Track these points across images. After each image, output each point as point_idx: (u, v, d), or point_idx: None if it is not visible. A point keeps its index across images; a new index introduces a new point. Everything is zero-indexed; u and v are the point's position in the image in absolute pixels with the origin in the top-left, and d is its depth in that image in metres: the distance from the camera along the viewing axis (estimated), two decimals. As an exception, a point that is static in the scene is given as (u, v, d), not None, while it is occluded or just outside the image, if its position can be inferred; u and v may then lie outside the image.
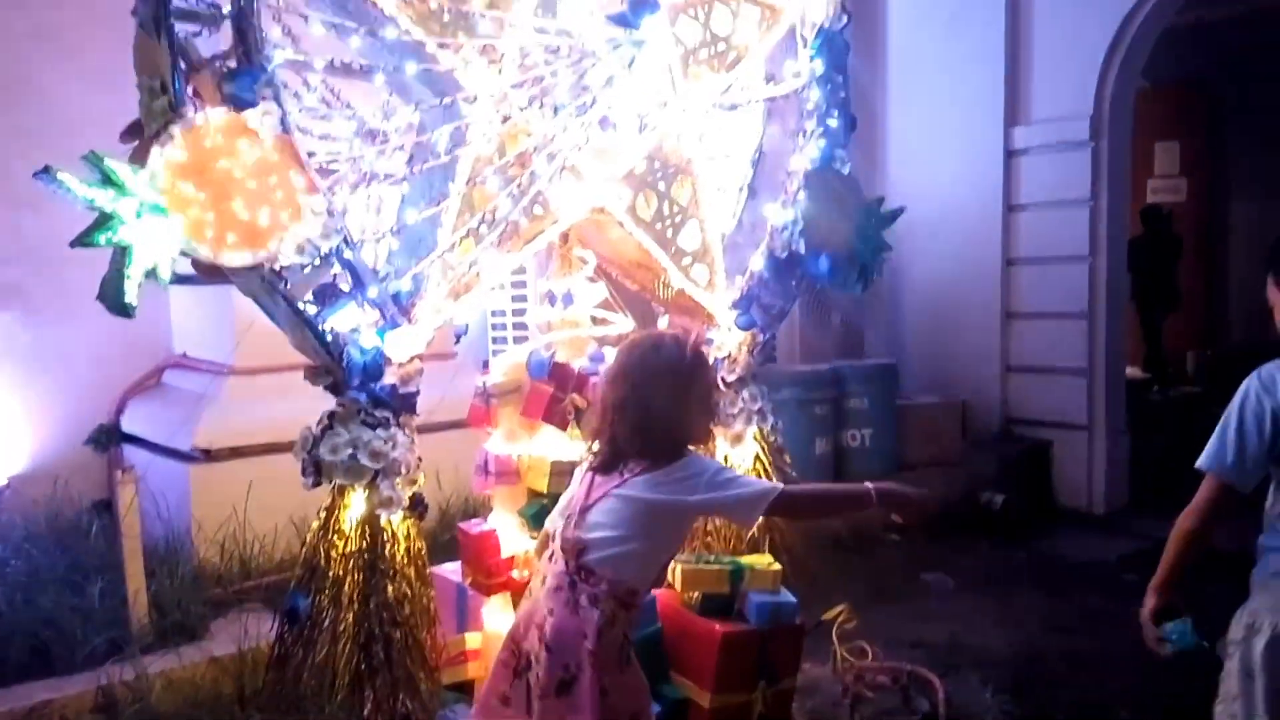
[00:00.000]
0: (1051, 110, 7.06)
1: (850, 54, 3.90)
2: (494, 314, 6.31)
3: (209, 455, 4.74)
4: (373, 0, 2.75)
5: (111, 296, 2.48)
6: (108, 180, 2.41)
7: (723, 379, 3.62)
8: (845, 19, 3.78)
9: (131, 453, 5.24)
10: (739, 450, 3.67)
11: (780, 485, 2.48)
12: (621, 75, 2.66)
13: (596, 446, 2.48)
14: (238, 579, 4.45)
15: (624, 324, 3.45)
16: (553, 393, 3.09)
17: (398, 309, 2.87)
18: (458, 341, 6.08)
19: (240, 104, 2.56)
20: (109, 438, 5.33)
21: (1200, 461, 2.54)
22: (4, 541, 4.22)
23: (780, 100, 3.81)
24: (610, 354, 3.26)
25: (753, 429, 3.71)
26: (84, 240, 2.42)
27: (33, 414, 5.15)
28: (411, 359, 2.90)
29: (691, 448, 2.49)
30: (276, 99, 2.64)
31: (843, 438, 6.77)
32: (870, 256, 4.01)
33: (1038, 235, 7.21)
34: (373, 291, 2.81)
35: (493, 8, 2.89)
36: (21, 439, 5.15)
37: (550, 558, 2.46)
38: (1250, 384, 2.49)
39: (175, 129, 2.49)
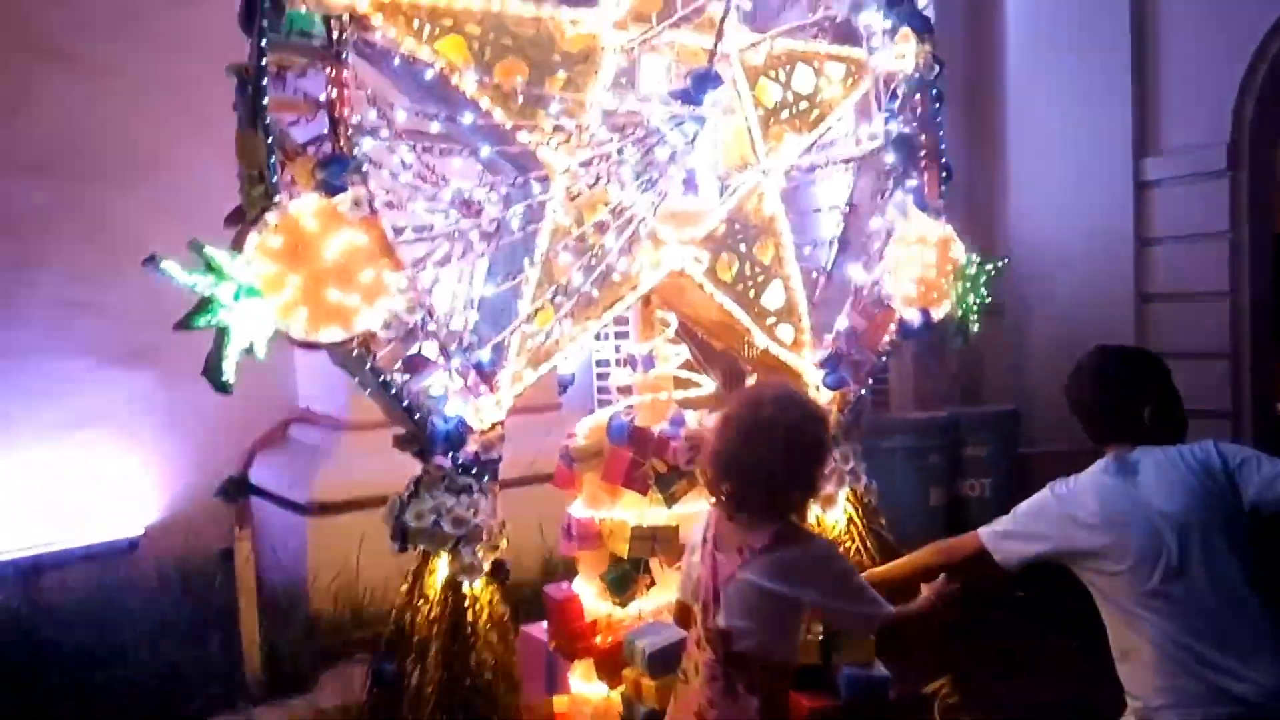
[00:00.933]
0: (1185, 139, 6.71)
1: (944, 103, 3.85)
2: (598, 364, 6.43)
3: (324, 509, 4.98)
4: (455, 84, 2.89)
5: (213, 374, 2.68)
6: (208, 267, 2.61)
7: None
8: (936, 69, 3.74)
9: (257, 504, 5.57)
10: (830, 512, 3.62)
11: (891, 610, 2.39)
12: (685, 150, 2.71)
13: (713, 500, 2.40)
14: (349, 629, 4.65)
15: (707, 385, 3.47)
16: (632, 458, 3.13)
17: (480, 377, 2.98)
18: (563, 392, 6.29)
19: (331, 190, 2.74)
20: (237, 489, 5.68)
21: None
22: (137, 590, 4.54)
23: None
24: (692, 417, 3.29)
25: (845, 490, 3.65)
26: (186, 324, 2.63)
27: (168, 466, 5.56)
28: (494, 426, 3.00)
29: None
30: (365, 182, 2.80)
31: (960, 488, 6.55)
32: (971, 310, 3.93)
33: (1173, 270, 6.84)
34: (455, 361, 2.92)
35: (569, 88, 3.00)
36: (157, 490, 5.55)
37: (698, 644, 2.39)
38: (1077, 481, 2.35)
39: (270, 216, 2.68)
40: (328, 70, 2.79)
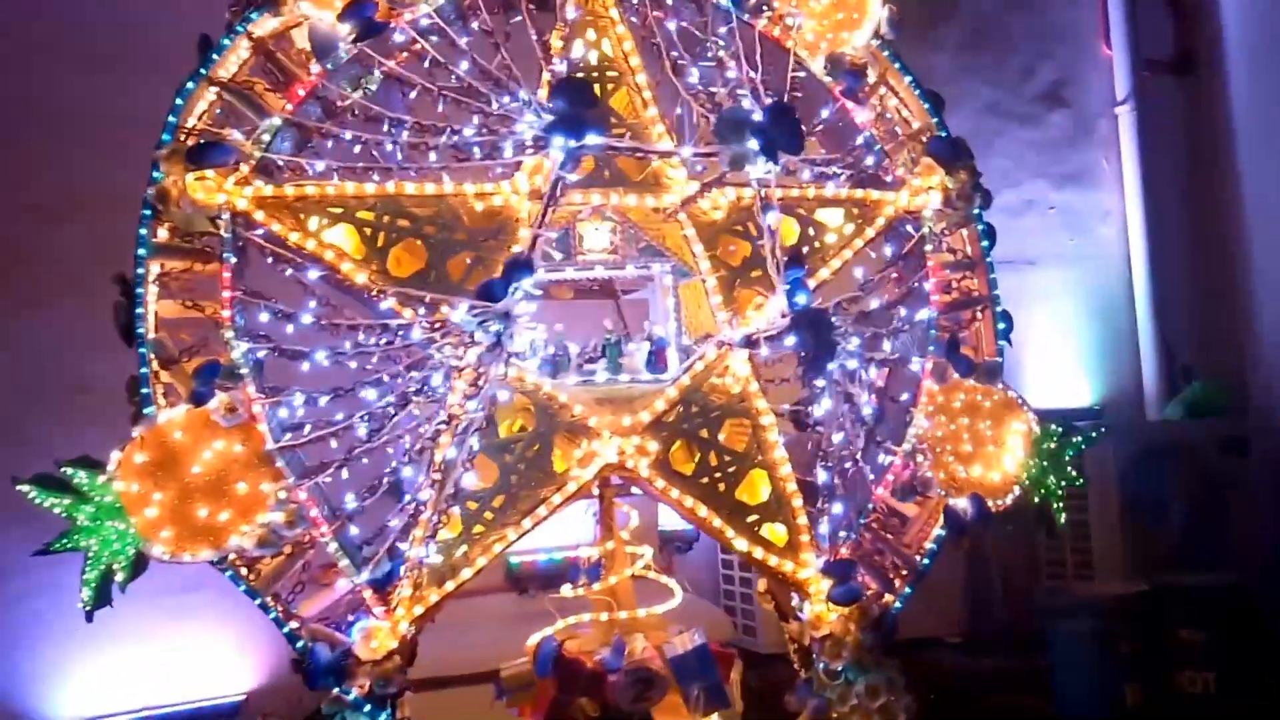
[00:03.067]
0: None
1: (994, 239, 3.17)
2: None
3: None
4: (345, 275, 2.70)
5: (94, 600, 2.58)
6: (67, 488, 2.54)
7: (825, 667, 2.92)
8: (978, 200, 3.08)
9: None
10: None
11: None
12: (496, 353, 2.31)
13: None
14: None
15: (676, 595, 2.95)
16: (554, 696, 2.67)
17: (376, 596, 2.67)
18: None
19: (200, 399, 2.60)
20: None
21: None
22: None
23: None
24: (642, 643, 2.79)
25: (876, 736, 2.92)
26: (46, 549, 2.55)
27: (272, 630, 5.65)
28: (390, 655, 2.66)
29: None
30: (243, 387, 2.64)
31: (1175, 682, 5.29)
32: (1054, 494, 3.12)
33: None
34: (342, 582, 2.65)
35: (477, 268, 2.73)
36: (261, 654, 5.66)
37: None
38: None
39: (136, 430, 2.58)
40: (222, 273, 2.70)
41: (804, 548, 2.92)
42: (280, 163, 2.70)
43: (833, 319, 2.66)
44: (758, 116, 2.41)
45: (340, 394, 2.58)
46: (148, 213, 2.66)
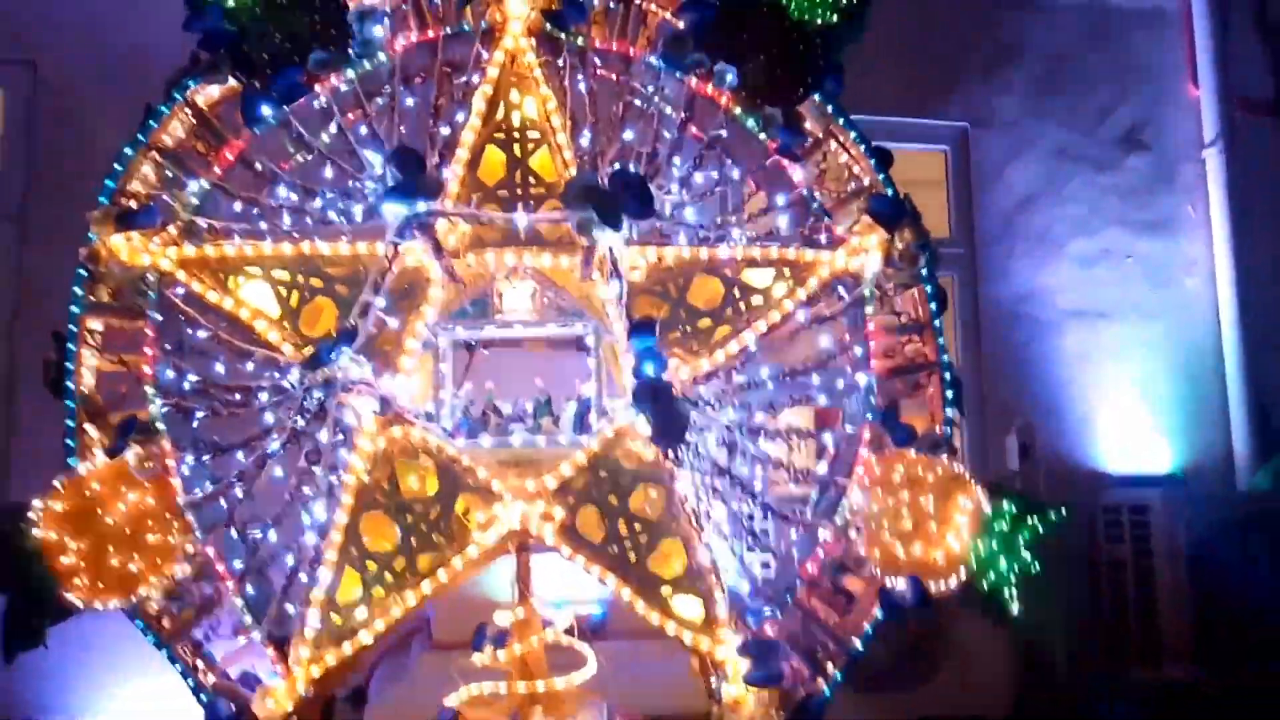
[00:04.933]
0: None
1: (943, 301, 3.03)
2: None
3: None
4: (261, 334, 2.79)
5: (19, 643, 2.73)
6: (-10, 534, 2.70)
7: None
8: (921, 259, 2.95)
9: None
10: None
11: None
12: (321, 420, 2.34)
13: None
14: None
15: (590, 665, 2.90)
16: (444, 767, 2.65)
17: (275, 651, 2.73)
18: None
19: (115, 452, 2.73)
20: (359, 699, 5.79)
21: None
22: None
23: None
24: (539, 716, 2.75)
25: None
26: (-35, 593, 2.72)
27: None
28: (288, 717, 2.69)
29: None
30: (157, 440, 2.76)
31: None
32: (1005, 580, 2.93)
33: None
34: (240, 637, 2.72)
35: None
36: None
37: None
38: None
39: (57, 481, 2.73)
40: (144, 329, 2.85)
41: (721, 624, 2.82)
42: (204, 224, 2.83)
43: (699, 390, 2.59)
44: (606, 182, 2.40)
45: (222, 451, 2.66)
46: (82, 272, 2.84)
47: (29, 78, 5.70)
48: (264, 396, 2.65)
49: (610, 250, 2.48)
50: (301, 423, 2.51)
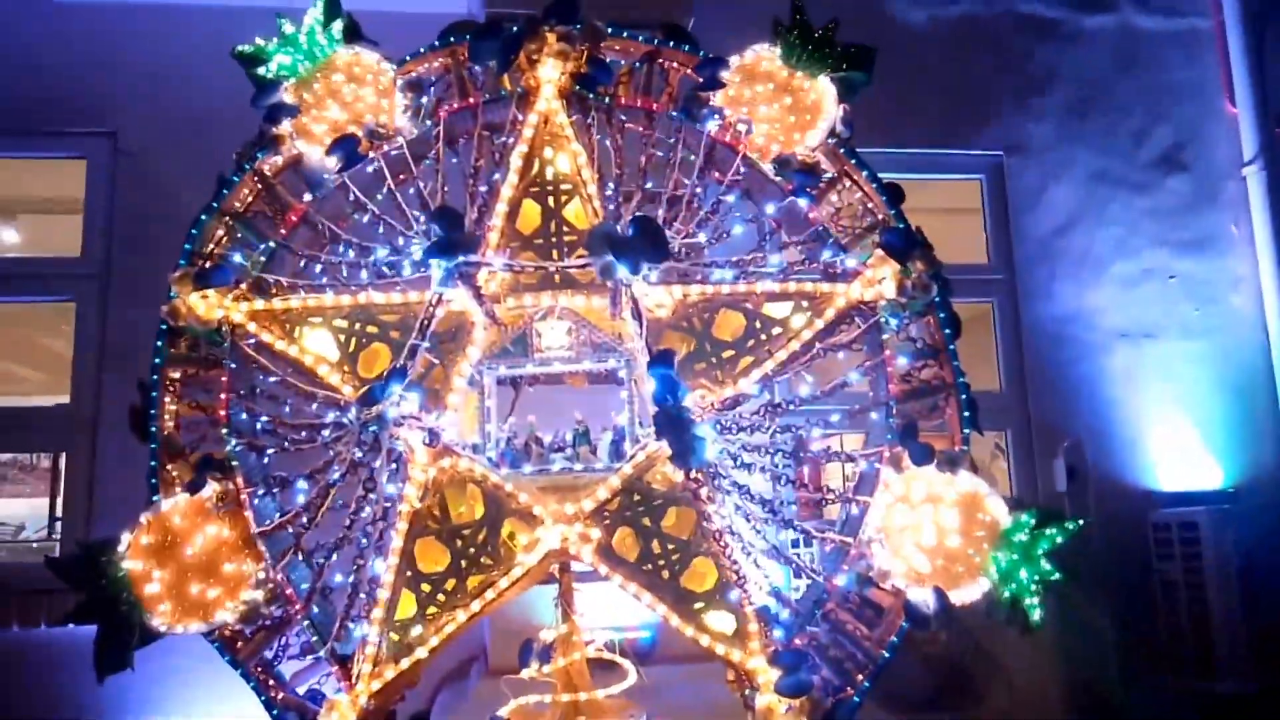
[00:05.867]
0: None
1: (957, 329, 3.19)
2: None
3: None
4: (323, 378, 3.07)
5: (108, 666, 3.00)
6: (85, 566, 2.99)
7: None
8: (933, 289, 3.12)
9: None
10: None
11: None
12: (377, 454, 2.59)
13: None
14: None
15: (630, 674, 3.08)
16: (495, 773, 2.85)
17: (340, 670, 2.96)
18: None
19: (194, 488, 3.01)
20: (423, 723, 6.01)
21: None
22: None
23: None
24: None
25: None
26: (65, 620, 3.00)
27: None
28: (354, 736, 2.92)
29: None
30: (232, 478, 3.04)
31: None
32: (1026, 590, 3.06)
33: None
34: (307, 656, 2.96)
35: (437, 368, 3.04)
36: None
37: None
38: None
39: (144, 515, 3.02)
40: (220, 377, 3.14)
41: (752, 636, 2.99)
42: (271, 280, 3.13)
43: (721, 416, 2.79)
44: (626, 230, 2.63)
45: (289, 484, 2.93)
46: (164, 327, 3.15)
47: (109, 147, 6.16)
48: (325, 433, 2.91)
49: (629, 290, 2.70)
50: (359, 454, 2.77)
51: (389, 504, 2.88)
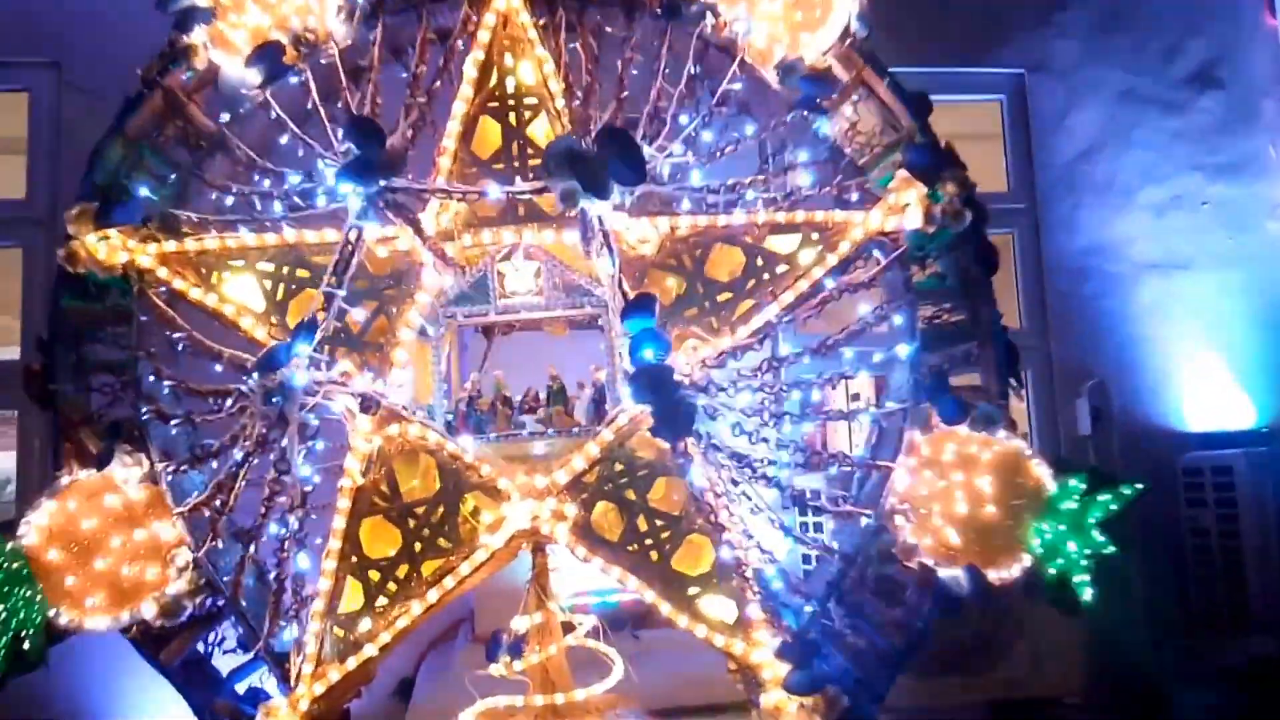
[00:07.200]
0: None
1: (994, 263, 2.69)
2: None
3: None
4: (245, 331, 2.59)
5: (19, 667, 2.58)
6: (-23, 554, 2.54)
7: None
8: (968, 216, 2.61)
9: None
10: None
11: None
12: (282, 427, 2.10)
13: None
14: None
15: (616, 670, 2.65)
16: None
17: (276, 671, 2.54)
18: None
19: (101, 463, 2.55)
20: (407, 691, 5.65)
21: None
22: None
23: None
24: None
25: None
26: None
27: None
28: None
29: None
30: (146, 449, 2.58)
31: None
32: (1075, 564, 2.60)
33: None
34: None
35: (378, 317, 2.55)
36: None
37: None
38: None
39: (43, 497, 2.56)
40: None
41: (755, 625, 2.55)
42: (183, 217, 2.63)
43: (707, 375, 2.30)
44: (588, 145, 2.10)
45: (200, 460, 2.46)
46: (64, 273, 2.66)
47: (54, 79, 5.60)
48: (228, 402, 2.43)
49: (600, 221, 2.19)
50: (263, 429, 2.29)
51: (308, 489, 2.41)
